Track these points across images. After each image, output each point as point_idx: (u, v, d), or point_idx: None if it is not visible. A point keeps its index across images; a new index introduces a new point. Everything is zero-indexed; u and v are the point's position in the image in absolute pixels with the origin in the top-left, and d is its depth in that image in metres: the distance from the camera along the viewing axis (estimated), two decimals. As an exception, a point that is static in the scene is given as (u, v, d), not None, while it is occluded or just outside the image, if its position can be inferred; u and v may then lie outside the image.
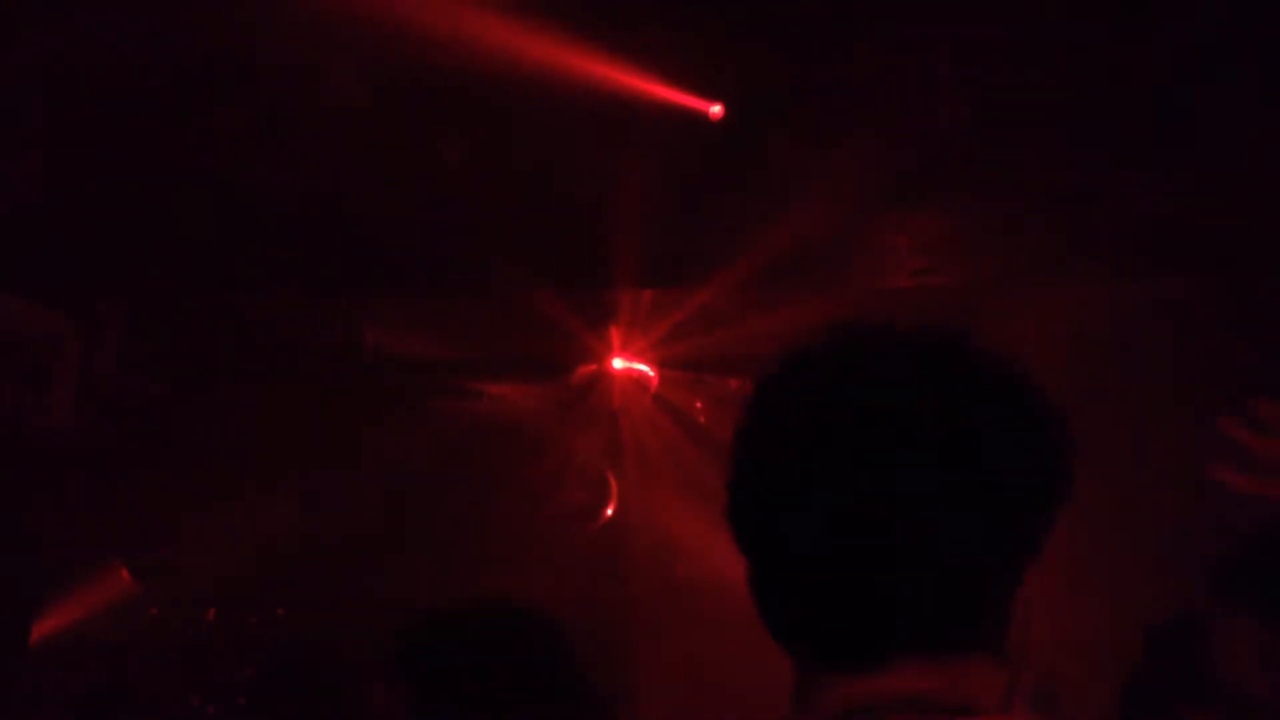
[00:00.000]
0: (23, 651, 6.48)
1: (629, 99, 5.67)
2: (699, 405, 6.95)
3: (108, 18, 5.09)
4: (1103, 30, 5.35)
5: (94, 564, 6.83)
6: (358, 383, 6.76)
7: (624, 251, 6.22)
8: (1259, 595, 1.80)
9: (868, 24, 5.60)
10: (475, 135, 5.82)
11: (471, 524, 6.64)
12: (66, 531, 6.71)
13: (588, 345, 6.92)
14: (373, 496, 6.69)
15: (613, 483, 6.77)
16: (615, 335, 6.88)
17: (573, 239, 6.13)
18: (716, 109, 5.98)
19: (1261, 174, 5.73)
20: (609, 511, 6.81)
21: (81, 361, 6.66)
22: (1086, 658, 5.22)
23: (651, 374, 6.93)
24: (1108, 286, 6.58)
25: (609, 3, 5.37)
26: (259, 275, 6.34)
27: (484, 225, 6.07)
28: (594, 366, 6.96)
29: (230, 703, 6.52)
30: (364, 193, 5.96)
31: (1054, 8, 5.30)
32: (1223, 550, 1.88)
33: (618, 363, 6.97)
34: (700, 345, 6.59)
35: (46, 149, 5.59)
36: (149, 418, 6.67)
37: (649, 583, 6.57)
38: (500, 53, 5.31)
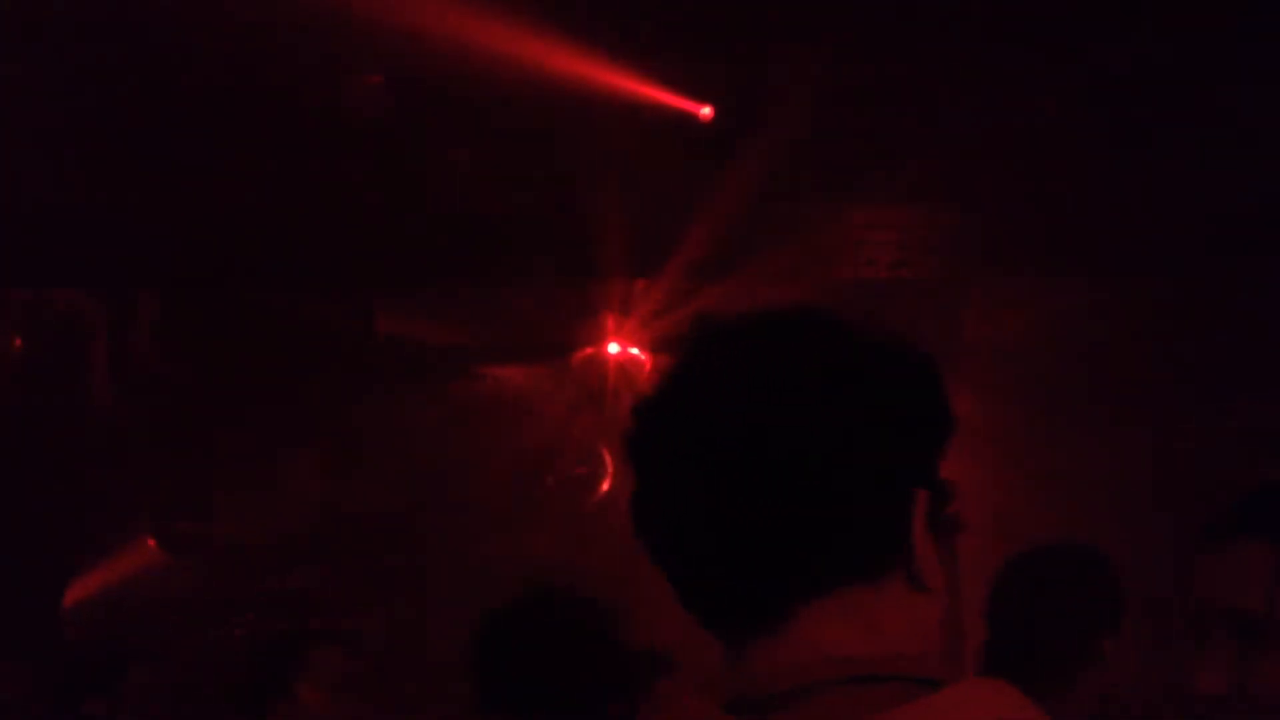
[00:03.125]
0: (57, 616, 6.82)
1: (625, 101, 5.99)
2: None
3: (142, 25, 5.43)
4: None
5: (125, 535, 7.13)
6: (371, 366, 7.09)
7: (619, 243, 6.53)
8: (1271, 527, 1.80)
9: (848, 29, 5.90)
10: (478, 135, 6.14)
11: (477, 495, 6.95)
12: (100, 504, 7.06)
13: (585, 331, 7.27)
14: (386, 470, 7.04)
15: (608, 459, 7.08)
16: (611, 322, 7.23)
17: (571, 232, 6.35)
18: (706, 110, 6.31)
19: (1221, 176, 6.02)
20: (605, 486, 7.16)
21: (116, 345, 7.00)
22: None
23: (644, 358, 7.29)
24: (1070, 281, 6.87)
25: (606, 8, 5.70)
26: (281, 267, 6.66)
27: (488, 220, 6.37)
28: (590, 351, 7.32)
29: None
30: (377, 190, 6.28)
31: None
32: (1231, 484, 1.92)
33: (613, 347, 7.31)
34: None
35: (83, 146, 5.84)
36: (180, 398, 6.96)
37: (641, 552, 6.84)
38: (504, 58, 5.60)
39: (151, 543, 7.12)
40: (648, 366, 7.10)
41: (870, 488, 1.29)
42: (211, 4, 5.27)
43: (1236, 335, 6.49)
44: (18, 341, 6.99)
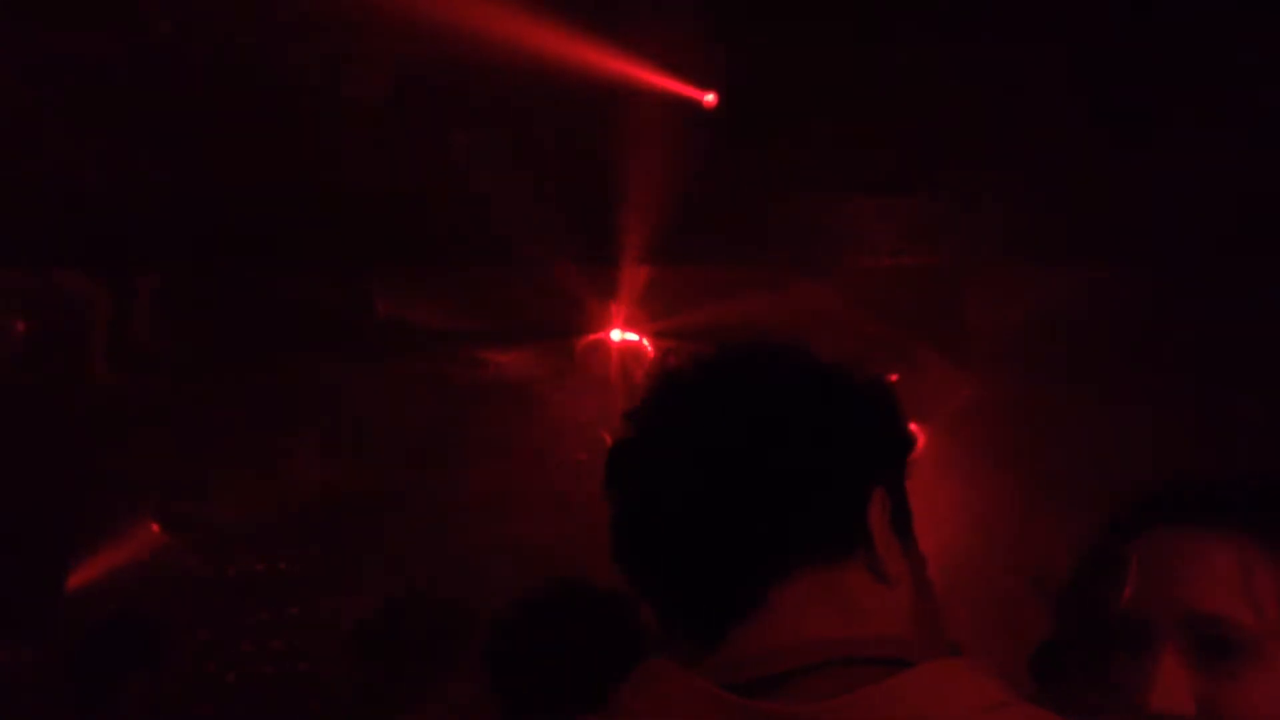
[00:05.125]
0: (59, 593, 6.84)
1: (630, 87, 5.99)
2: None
3: (143, 9, 5.43)
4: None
5: (127, 515, 7.15)
6: (373, 349, 7.11)
7: (623, 230, 6.54)
8: (1241, 520, 1.54)
9: (854, 19, 5.91)
10: (484, 122, 6.15)
11: (480, 477, 6.96)
12: (102, 485, 7.08)
13: (589, 318, 7.27)
14: (389, 453, 7.05)
15: (610, 444, 7.04)
16: (615, 309, 7.23)
17: (576, 219, 6.40)
18: (710, 98, 6.32)
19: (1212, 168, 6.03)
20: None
21: (116, 327, 7.02)
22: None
23: (647, 345, 7.30)
24: (1069, 269, 6.89)
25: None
26: (282, 249, 6.67)
27: (491, 207, 6.38)
28: (594, 337, 7.33)
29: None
30: (381, 175, 6.29)
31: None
32: (1194, 480, 1.62)
33: (616, 334, 7.32)
34: (692, 320, 6.91)
35: (83, 127, 5.83)
36: (179, 380, 6.99)
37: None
38: (509, 45, 5.60)
39: (155, 526, 7.15)
40: (650, 353, 7.12)
41: (827, 480, 1.42)
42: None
43: (1233, 324, 6.51)
44: (20, 324, 7.00)
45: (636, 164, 6.24)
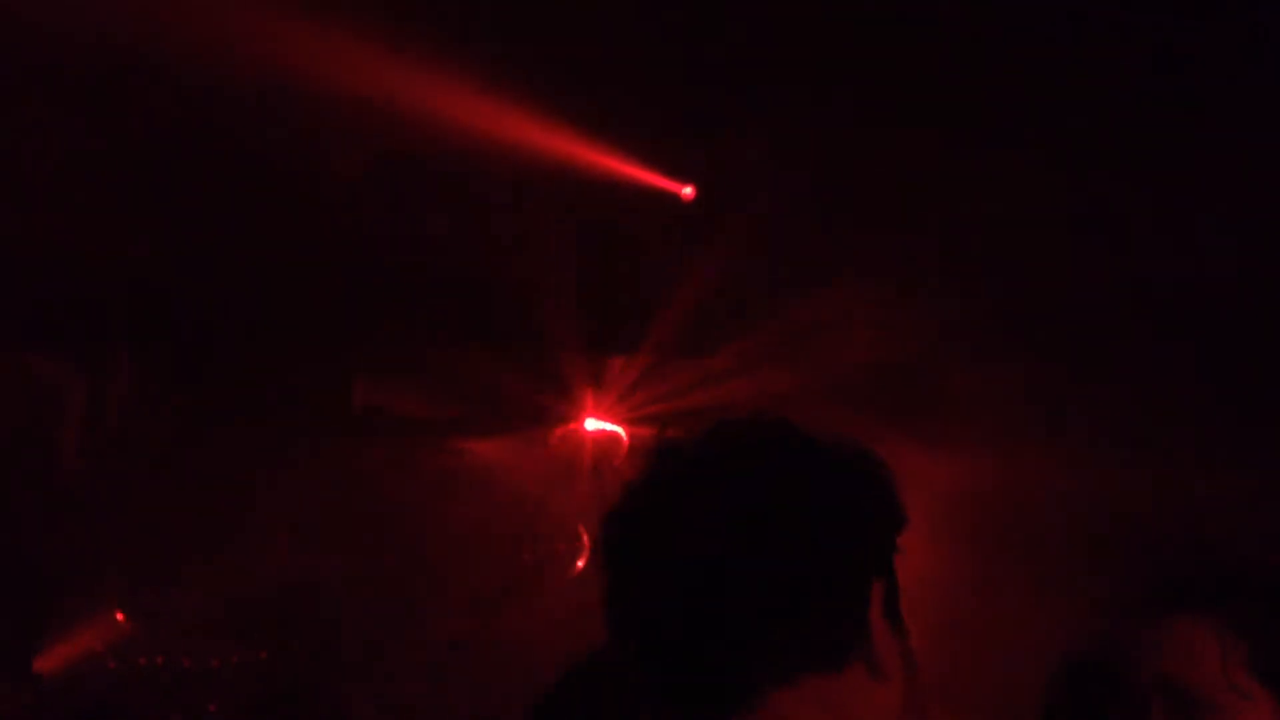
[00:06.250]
0: (26, 680, 6.72)
1: (607, 178, 6.03)
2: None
3: (120, 90, 5.44)
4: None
5: (92, 603, 7.05)
6: (346, 436, 7.06)
7: (597, 318, 6.55)
8: (1219, 598, 1.86)
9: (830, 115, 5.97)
10: (458, 207, 6.16)
11: (452, 570, 6.90)
12: (68, 569, 6.97)
13: (563, 406, 7.21)
14: (359, 542, 6.97)
15: (585, 536, 7.03)
16: (589, 397, 7.19)
17: (550, 306, 6.44)
18: (688, 190, 6.35)
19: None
20: (581, 564, 7.08)
21: (86, 407, 6.95)
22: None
23: (623, 434, 7.27)
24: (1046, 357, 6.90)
25: (591, 86, 5.74)
26: (259, 334, 6.65)
27: (464, 293, 6.38)
28: (569, 426, 7.27)
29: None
30: (355, 258, 6.29)
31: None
32: (1173, 558, 2.05)
33: (591, 423, 7.28)
34: (667, 408, 6.90)
35: (58, 205, 5.84)
36: (150, 462, 6.92)
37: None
38: (485, 131, 5.63)
39: (120, 615, 7.04)
40: (626, 442, 7.09)
41: (830, 583, 1.40)
42: (191, 69, 5.27)
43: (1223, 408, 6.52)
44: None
45: (612, 252, 6.25)
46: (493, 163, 5.77)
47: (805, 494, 1.42)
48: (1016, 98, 5.86)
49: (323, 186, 5.74)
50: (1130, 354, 6.54)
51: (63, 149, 5.45)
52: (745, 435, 1.47)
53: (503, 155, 5.70)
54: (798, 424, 1.48)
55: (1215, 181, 5.86)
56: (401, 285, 6.30)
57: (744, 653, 1.37)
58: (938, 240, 6.40)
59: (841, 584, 1.40)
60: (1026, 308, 6.52)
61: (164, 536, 6.93)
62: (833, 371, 6.76)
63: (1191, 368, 6.53)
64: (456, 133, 5.52)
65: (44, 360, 6.85)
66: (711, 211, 6.19)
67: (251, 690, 6.74)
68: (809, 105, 5.88)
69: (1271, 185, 5.86)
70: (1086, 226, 6.23)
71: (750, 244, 6.12)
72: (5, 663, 6.10)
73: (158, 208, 5.85)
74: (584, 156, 5.90)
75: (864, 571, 1.42)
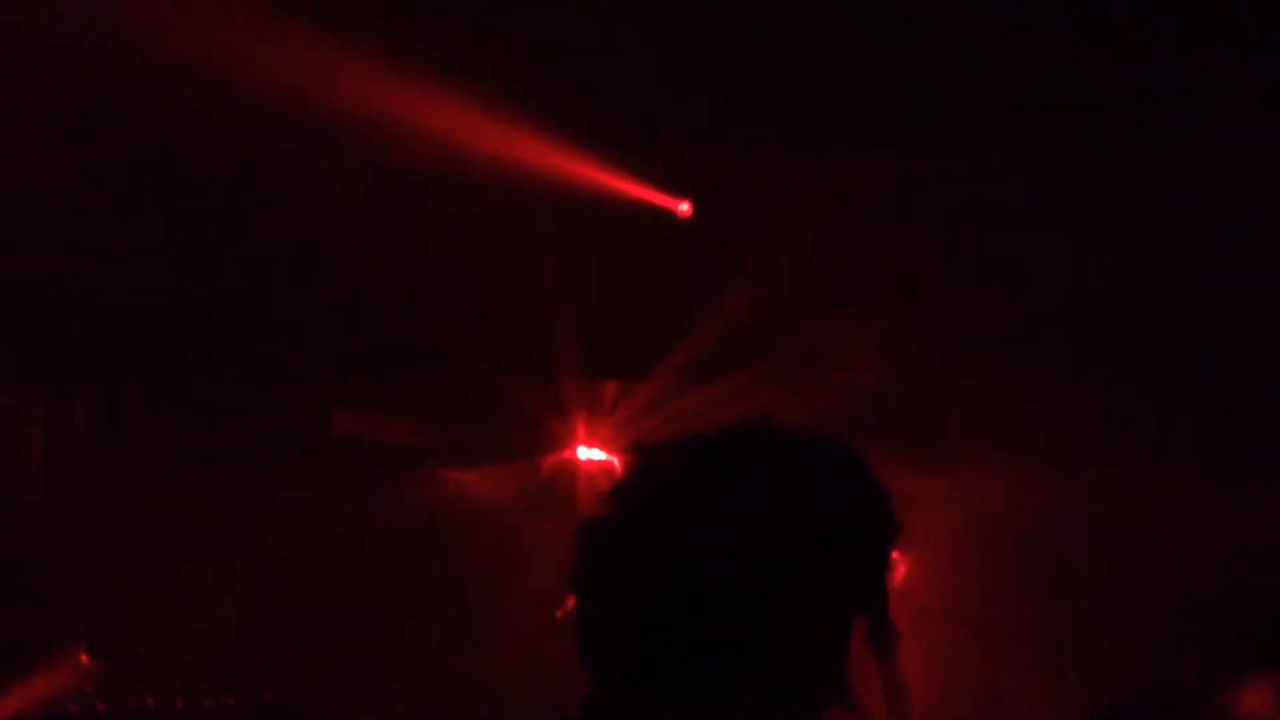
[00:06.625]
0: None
1: (602, 197, 5.89)
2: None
3: (99, 117, 5.24)
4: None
5: (55, 643, 6.79)
6: (327, 467, 6.83)
7: (590, 344, 6.39)
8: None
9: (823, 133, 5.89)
10: (452, 232, 6.00)
11: (441, 605, 6.70)
12: (30, 608, 6.70)
13: (554, 435, 7.06)
14: (342, 578, 6.75)
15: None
16: (580, 425, 7.04)
17: (541, 331, 6.29)
18: (684, 207, 6.22)
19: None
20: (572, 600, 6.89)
21: (50, 442, 6.69)
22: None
23: (615, 462, 7.09)
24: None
25: (588, 104, 5.62)
26: (233, 361, 6.44)
27: (456, 318, 6.22)
28: (560, 455, 7.10)
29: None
30: (341, 285, 6.11)
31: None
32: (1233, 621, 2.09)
33: (583, 452, 7.12)
34: (661, 436, 6.72)
35: (23, 235, 5.69)
36: (116, 499, 6.68)
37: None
38: (478, 155, 5.50)
39: (84, 658, 6.76)
40: (618, 472, 6.91)
41: (809, 626, 1.34)
42: (180, 94, 5.09)
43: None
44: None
45: (606, 275, 6.13)
46: (484, 183, 5.63)
47: (789, 504, 1.37)
48: (1020, 111, 5.82)
49: (317, 208, 5.54)
50: (1136, 372, 6.53)
51: (43, 171, 5.23)
52: (723, 442, 1.42)
53: (494, 175, 5.57)
54: (781, 430, 1.43)
55: (1216, 190, 5.79)
56: (392, 310, 6.11)
57: (719, 695, 1.32)
58: (940, 260, 6.33)
59: (821, 627, 1.35)
60: (1031, 327, 6.49)
61: (133, 574, 6.66)
62: (835, 397, 6.66)
63: (1192, 383, 6.51)
64: (452, 153, 5.38)
65: (7, 391, 6.58)
66: (711, 234, 6.07)
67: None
68: (812, 124, 5.79)
69: (1272, 189, 5.85)
70: (1088, 238, 6.18)
71: (753, 269, 6.00)
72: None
73: (148, 232, 5.63)
74: (581, 175, 5.78)
75: (849, 609, 1.37)
